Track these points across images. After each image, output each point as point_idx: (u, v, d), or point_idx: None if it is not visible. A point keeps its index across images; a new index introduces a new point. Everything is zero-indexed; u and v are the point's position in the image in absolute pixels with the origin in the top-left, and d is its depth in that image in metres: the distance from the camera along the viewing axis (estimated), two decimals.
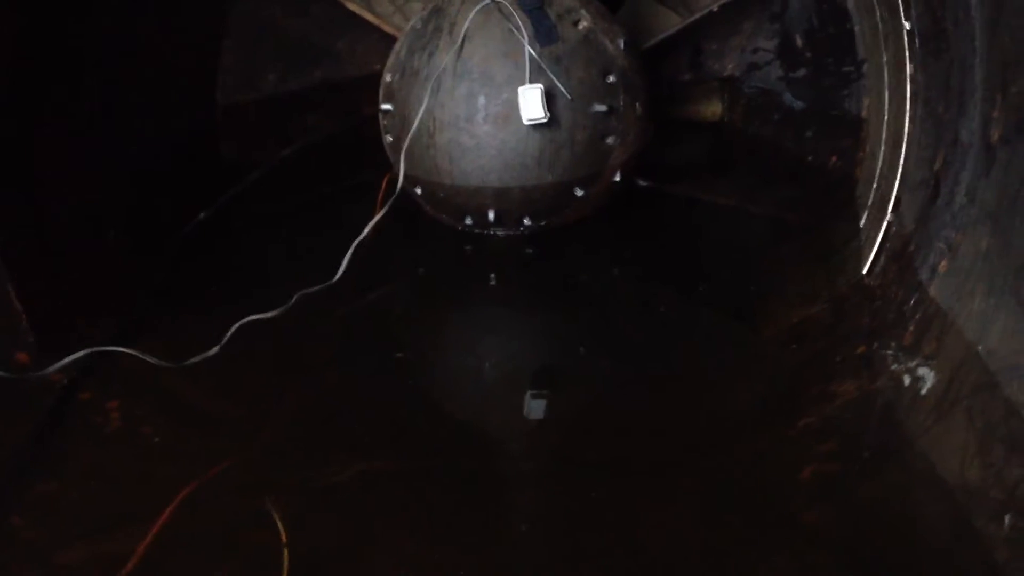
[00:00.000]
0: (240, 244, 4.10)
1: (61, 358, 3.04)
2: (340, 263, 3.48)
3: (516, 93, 3.68)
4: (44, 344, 3.07)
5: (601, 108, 3.80)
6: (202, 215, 4.14)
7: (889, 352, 2.87)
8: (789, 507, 2.53)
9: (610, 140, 3.87)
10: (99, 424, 2.91)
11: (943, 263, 2.74)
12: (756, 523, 2.51)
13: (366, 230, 3.57)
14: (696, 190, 4.48)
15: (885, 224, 3.27)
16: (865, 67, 4.12)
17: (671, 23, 4.66)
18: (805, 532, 2.45)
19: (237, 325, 3.17)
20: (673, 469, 2.74)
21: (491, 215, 3.89)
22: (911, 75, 3.23)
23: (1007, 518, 2.16)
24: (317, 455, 2.80)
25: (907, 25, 3.21)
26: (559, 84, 3.70)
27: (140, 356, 3.06)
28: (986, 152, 2.52)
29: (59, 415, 2.94)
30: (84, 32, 3.48)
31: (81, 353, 3.07)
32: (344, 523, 2.53)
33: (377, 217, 3.66)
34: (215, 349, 3.12)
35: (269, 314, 3.25)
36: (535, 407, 3.11)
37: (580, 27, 3.85)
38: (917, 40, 3.16)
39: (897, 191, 3.26)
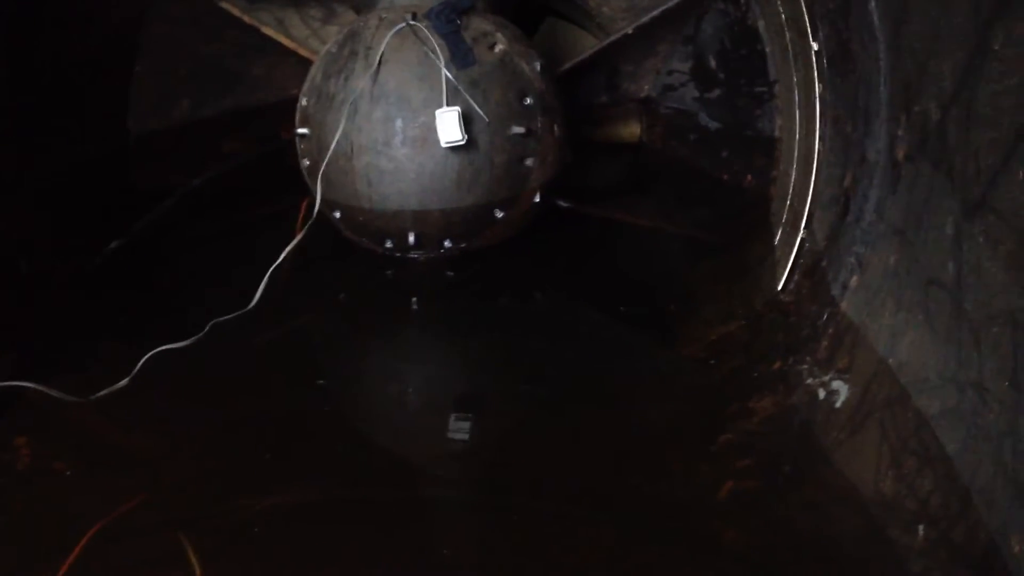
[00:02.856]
0: (153, 273, 4.00)
1: None
2: (256, 290, 3.42)
3: (433, 116, 3.66)
4: None
5: (519, 130, 3.80)
6: (114, 244, 4.05)
7: (804, 367, 2.91)
8: (709, 525, 2.54)
9: (529, 162, 3.88)
10: (7, 461, 2.82)
11: (854, 279, 2.79)
12: (676, 541, 2.52)
13: (282, 255, 3.52)
14: (615, 211, 4.51)
15: (798, 241, 3.33)
16: (777, 87, 4.19)
17: (587, 45, 4.70)
18: (724, 550, 2.46)
19: (147, 356, 3.11)
20: (595, 489, 2.74)
21: (411, 238, 3.86)
22: (820, 95, 3.30)
23: (920, 528, 2.20)
24: (233, 488, 2.74)
25: (815, 46, 3.28)
26: (476, 107, 3.69)
27: (46, 391, 2.98)
28: (892, 170, 2.58)
29: None
30: None
31: None
32: (261, 557, 2.48)
33: (294, 242, 3.61)
34: (125, 381, 3.05)
35: (181, 344, 3.18)
36: (457, 431, 3.09)
37: (496, 50, 3.85)
38: (825, 60, 3.23)
39: (809, 208, 3.32)
